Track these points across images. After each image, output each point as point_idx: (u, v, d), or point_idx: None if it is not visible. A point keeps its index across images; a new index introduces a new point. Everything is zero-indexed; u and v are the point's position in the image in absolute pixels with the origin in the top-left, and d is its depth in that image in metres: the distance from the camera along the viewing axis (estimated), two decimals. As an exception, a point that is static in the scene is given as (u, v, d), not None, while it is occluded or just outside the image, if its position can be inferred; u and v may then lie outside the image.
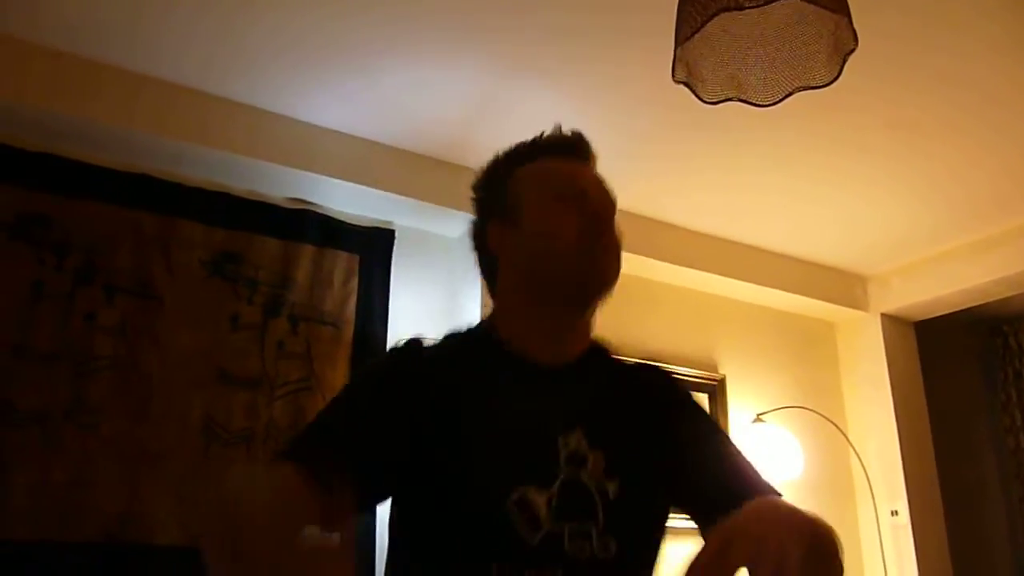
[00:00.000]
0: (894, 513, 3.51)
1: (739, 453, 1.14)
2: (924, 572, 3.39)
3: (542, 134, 1.22)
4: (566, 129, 1.22)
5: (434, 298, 2.87)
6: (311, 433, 1.03)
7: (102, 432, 2.21)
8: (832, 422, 3.51)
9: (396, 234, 2.82)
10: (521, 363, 1.08)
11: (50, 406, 2.16)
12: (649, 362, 1.27)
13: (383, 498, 1.04)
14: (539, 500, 0.95)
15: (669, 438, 1.09)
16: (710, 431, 1.19)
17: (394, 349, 1.11)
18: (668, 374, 1.23)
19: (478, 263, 1.21)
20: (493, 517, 0.94)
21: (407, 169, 2.75)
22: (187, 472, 2.29)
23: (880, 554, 3.42)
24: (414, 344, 1.11)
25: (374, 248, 2.77)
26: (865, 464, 3.52)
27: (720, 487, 1.05)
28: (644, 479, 1.04)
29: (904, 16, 2.11)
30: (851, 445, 3.59)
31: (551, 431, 1.00)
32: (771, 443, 3.24)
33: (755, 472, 1.12)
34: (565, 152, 1.19)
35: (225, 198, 2.55)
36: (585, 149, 1.21)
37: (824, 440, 3.53)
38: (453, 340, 1.14)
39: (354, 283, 2.69)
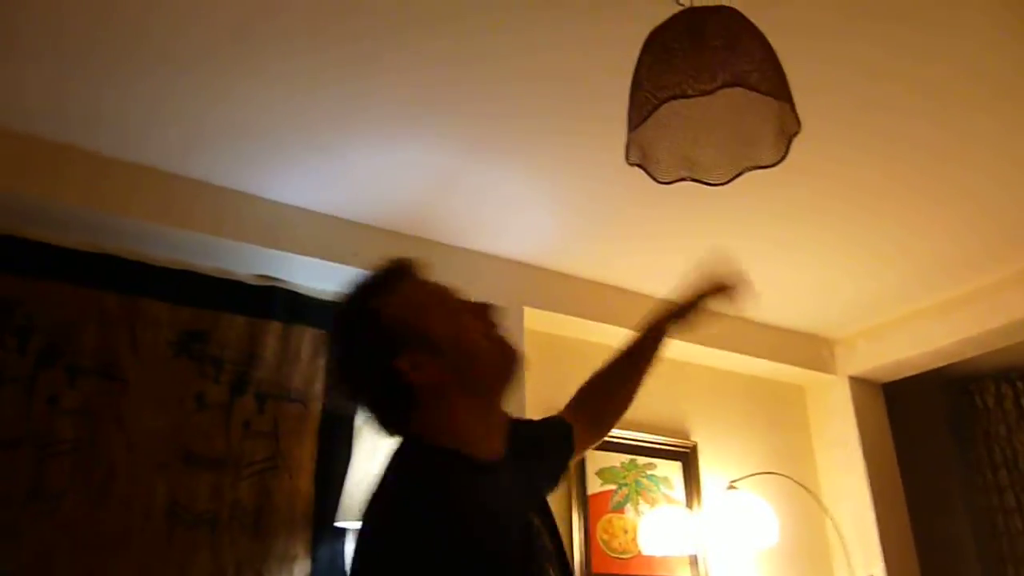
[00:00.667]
0: (871, 578, 3.49)
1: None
2: (904, 638, 3.36)
3: (372, 274, 1.23)
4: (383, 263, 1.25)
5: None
6: None
7: (62, 516, 2.15)
8: (805, 487, 3.51)
9: (364, 308, 2.83)
10: (485, 466, 1.13)
11: (11, 491, 2.12)
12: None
13: None
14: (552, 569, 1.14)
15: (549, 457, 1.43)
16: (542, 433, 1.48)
17: (435, 486, 1.06)
18: (522, 420, 1.46)
19: (376, 411, 1.17)
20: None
21: (373, 244, 2.77)
22: (150, 556, 2.24)
23: (859, 621, 3.39)
24: (437, 475, 1.09)
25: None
26: (840, 528, 3.51)
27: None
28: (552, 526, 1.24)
29: (835, 68, 2.11)
30: (825, 510, 3.58)
31: (528, 516, 1.16)
32: (746, 511, 3.22)
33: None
34: (421, 270, 1.24)
35: (191, 276, 2.55)
36: (416, 267, 1.25)
37: (798, 506, 3.53)
38: (442, 479, 1.08)
39: (322, 359, 2.68)
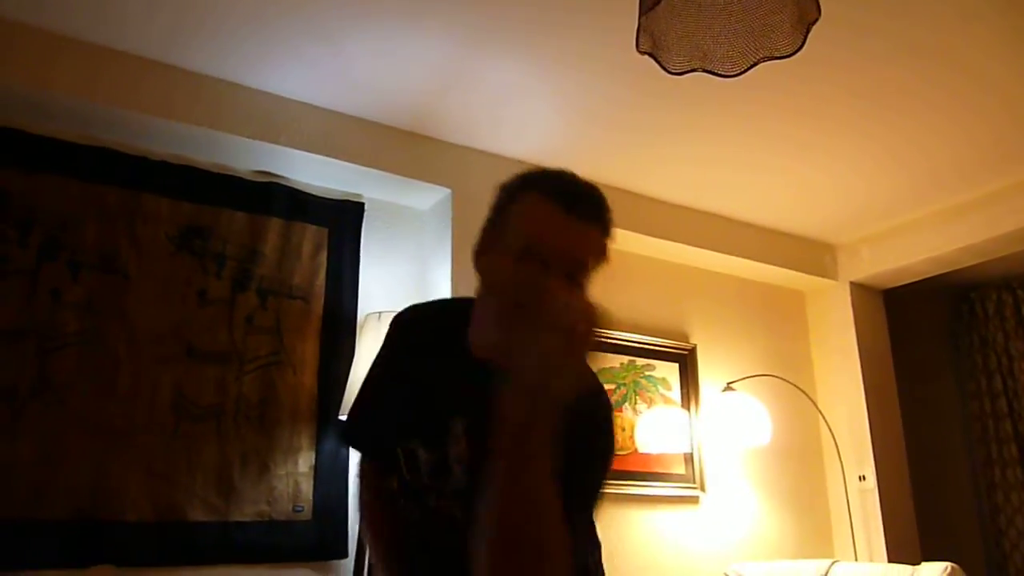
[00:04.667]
0: (862, 478, 3.58)
1: None
2: (891, 535, 3.47)
3: (564, 176, 1.19)
4: (582, 181, 1.19)
5: (404, 271, 2.87)
6: (354, 418, 1.41)
7: (69, 408, 2.19)
8: (801, 390, 3.56)
9: (365, 206, 2.81)
10: (468, 351, 1.22)
11: (16, 383, 2.14)
12: None
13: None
14: (458, 439, 1.20)
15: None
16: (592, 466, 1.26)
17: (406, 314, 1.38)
18: (607, 406, 1.31)
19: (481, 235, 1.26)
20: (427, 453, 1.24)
21: (375, 141, 2.72)
22: (157, 448, 2.28)
23: (848, 518, 3.49)
24: (403, 321, 1.37)
25: (343, 221, 2.75)
26: (834, 431, 3.58)
27: None
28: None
29: None
30: (820, 412, 3.65)
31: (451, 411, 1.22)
32: (740, 411, 3.28)
33: None
34: (571, 205, 1.13)
35: (191, 172, 2.52)
36: (584, 210, 1.14)
37: (793, 408, 3.59)
38: (434, 315, 1.39)
39: (323, 256, 2.67)
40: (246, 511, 2.37)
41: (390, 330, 1.35)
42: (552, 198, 1.13)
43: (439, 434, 1.19)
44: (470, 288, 2.90)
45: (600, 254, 1.15)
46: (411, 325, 1.34)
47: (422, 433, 1.22)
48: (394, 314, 1.38)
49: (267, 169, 2.64)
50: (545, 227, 1.10)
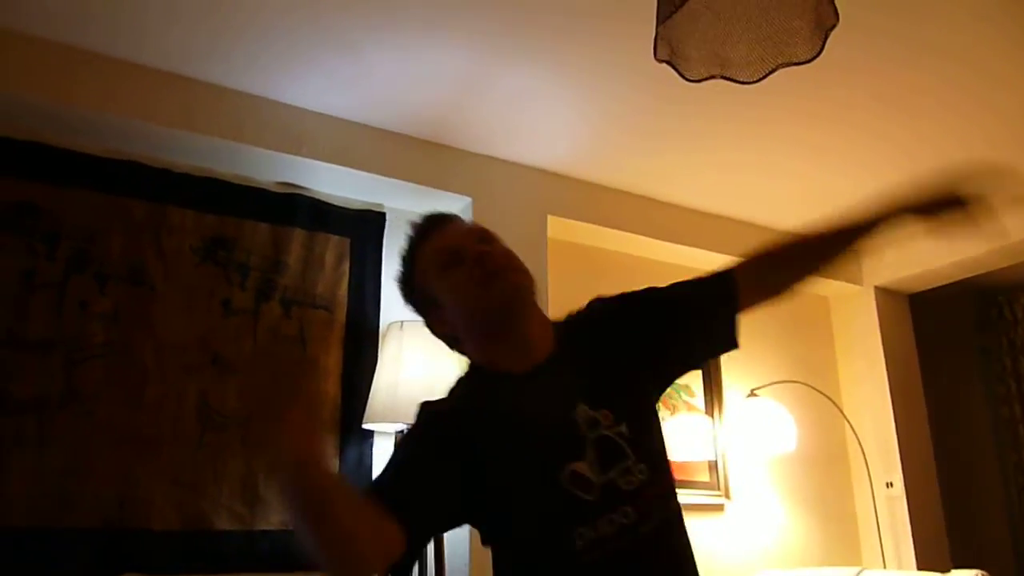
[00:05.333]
0: (889, 485, 3.54)
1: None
2: (919, 542, 3.42)
3: (415, 226, 1.42)
4: (426, 213, 1.44)
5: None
6: (375, 484, 1.21)
7: (97, 419, 2.22)
8: (826, 396, 3.53)
9: (387, 216, 2.83)
10: (516, 377, 1.28)
11: (45, 394, 2.17)
12: (589, 303, 1.43)
13: (435, 532, 1.31)
14: (582, 466, 1.18)
15: (639, 341, 1.33)
16: (660, 296, 1.40)
17: (421, 407, 1.31)
18: (601, 298, 1.41)
19: (447, 345, 1.40)
20: (555, 495, 1.16)
21: (396, 151, 2.74)
22: (183, 457, 2.31)
23: (876, 525, 3.45)
24: (429, 403, 1.31)
25: (365, 231, 2.77)
26: (860, 437, 3.55)
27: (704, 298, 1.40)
28: (636, 406, 1.29)
29: None
30: (846, 418, 3.61)
31: (565, 414, 1.22)
32: (765, 417, 3.26)
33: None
34: (430, 231, 1.39)
35: (214, 184, 2.55)
36: (440, 219, 1.42)
37: (819, 414, 3.56)
38: (456, 387, 1.35)
39: (345, 266, 2.69)
40: (271, 520, 2.39)
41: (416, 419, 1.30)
42: (422, 236, 1.38)
43: (576, 438, 1.20)
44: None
45: (479, 229, 1.39)
46: (447, 415, 1.29)
47: (565, 450, 1.19)
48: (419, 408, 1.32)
49: (289, 180, 2.67)
50: (438, 248, 1.34)
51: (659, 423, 1.33)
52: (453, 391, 1.34)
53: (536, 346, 1.30)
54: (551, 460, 1.18)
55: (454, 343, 1.38)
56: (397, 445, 1.35)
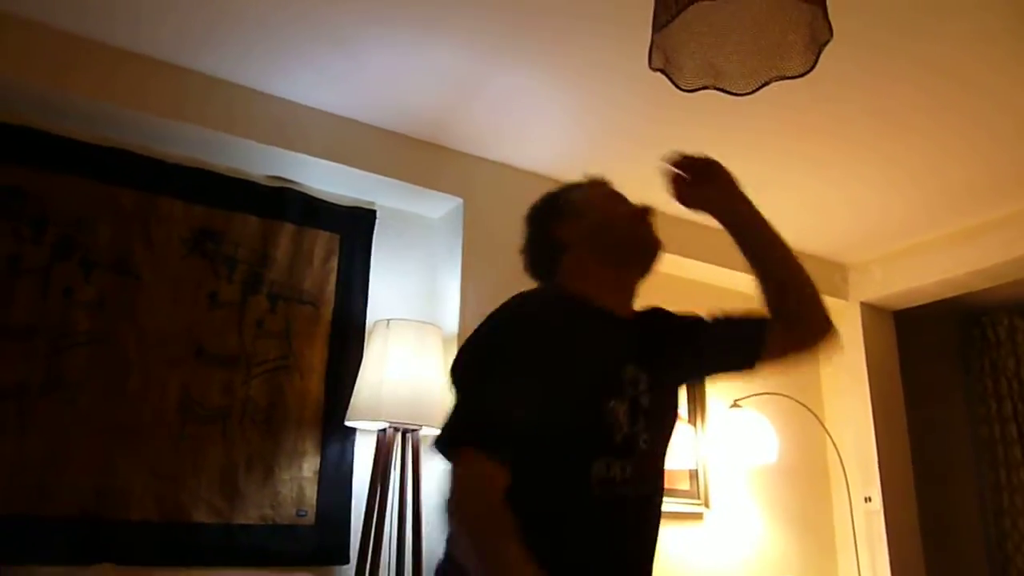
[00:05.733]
0: (867, 499, 3.56)
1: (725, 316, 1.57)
2: (895, 557, 3.44)
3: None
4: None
5: (414, 279, 2.88)
6: (479, 416, 1.26)
7: (78, 407, 2.21)
8: (809, 409, 3.55)
9: (377, 214, 2.82)
10: (602, 312, 1.42)
11: (26, 381, 2.16)
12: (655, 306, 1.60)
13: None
14: (620, 410, 1.31)
15: (684, 344, 1.50)
16: (701, 322, 1.57)
17: (512, 308, 1.35)
18: (665, 310, 1.60)
19: (533, 253, 1.55)
20: (594, 421, 1.29)
21: (388, 149, 2.74)
22: (163, 448, 2.30)
23: (852, 539, 3.47)
24: (523, 302, 1.38)
25: (355, 228, 2.77)
26: (840, 451, 3.57)
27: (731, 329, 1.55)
28: (668, 389, 1.46)
29: (887, 1, 2.09)
30: (827, 432, 3.63)
31: (621, 361, 1.36)
32: (747, 428, 3.27)
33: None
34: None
35: (205, 175, 2.54)
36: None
37: (800, 427, 3.57)
38: (541, 299, 1.44)
39: (334, 262, 2.69)
40: (250, 514, 2.38)
41: (512, 320, 1.33)
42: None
43: (622, 386, 1.33)
44: (480, 298, 2.91)
45: None
46: (538, 310, 1.38)
47: (611, 388, 1.32)
48: (496, 315, 1.34)
49: (280, 175, 2.67)
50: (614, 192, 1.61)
51: (674, 422, 1.48)
52: (538, 307, 1.39)
53: (630, 302, 1.49)
54: (600, 392, 1.31)
55: (558, 251, 1.49)
56: (489, 363, 1.31)
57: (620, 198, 1.56)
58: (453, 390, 1.31)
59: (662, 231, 1.54)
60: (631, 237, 1.49)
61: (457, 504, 1.18)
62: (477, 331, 1.33)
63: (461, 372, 1.32)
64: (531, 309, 1.37)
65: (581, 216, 1.50)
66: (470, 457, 1.20)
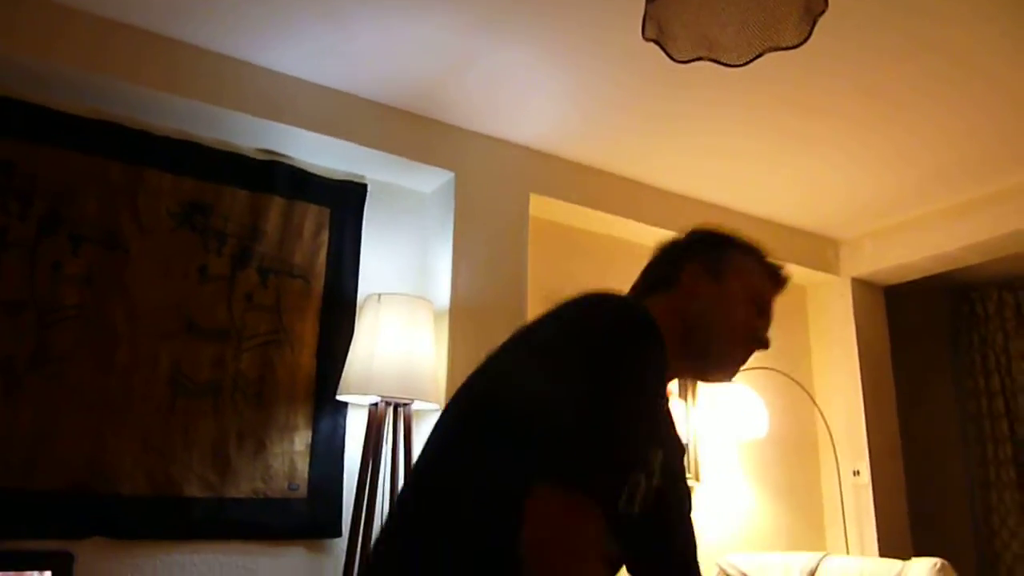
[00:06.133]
0: (856, 473, 3.59)
1: None
2: (883, 530, 3.48)
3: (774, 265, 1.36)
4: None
5: (405, 253, 2.87)
6: (619, 462, 1.00)
7: (67, 381, 2.19)
8: (798, 383, 3.56)
9: (368, 188, 2.81)
10: (669, 377, 1.30)
11: (14, 355, 2.15)
12: None
13: None
14: (640, 486, 1.18)
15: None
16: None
17: (646, 331, 1.03)
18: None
19: (656, 271, 1.32)
20: (633, 472, 1.14)
21: (379, 122, 2.72)
22: (154, 422, 2.29)
23: (841, 512, 3.50)
24: (650, 319, 1.05)
25: (345, 202, 2.75)
26: (830, 425, 3.59)
27: None
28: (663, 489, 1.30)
29: None
30: (817, 406, 3.65)
31: (654, 440, 1.23)
32: (738, 403, 3.29)
33: None
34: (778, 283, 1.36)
35: (194, 148, 2.52)
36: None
37: (790, 401, 3.59)
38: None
39: (324, 236, 2.67)
40: (241, 488, 2.38)
41: (652, 340, 1.03)
42: (769, 273, 1.34)
43: (648, 463, 1.18)
44: (471, 272, 2.89)
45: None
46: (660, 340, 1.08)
47: (646, 462, 1.17)
48: (631, 314, 1.05)
49: (270, 147, 2.64)
50: (772, 294, 1.34)
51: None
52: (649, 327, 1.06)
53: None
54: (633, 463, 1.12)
55: (668, 281, 1.27)
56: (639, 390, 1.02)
57: (761, 314, 1.30)
58: (588, 393, 0.94)
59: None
60: (719, 359, 1.27)
61: (558, 565, 0.87)
62: (616, 320, 1.02)
63: (615, 381, 0.96)
64: (658, 334, 1.04)
65: (717, 277, 1.26)
66: (591, 513, 0.89)
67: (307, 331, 2.58)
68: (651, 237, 3.46)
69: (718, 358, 1.26)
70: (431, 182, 2.92)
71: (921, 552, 3.04)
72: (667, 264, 1.31)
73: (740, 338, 1.26)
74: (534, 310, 2.66)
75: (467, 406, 1.09)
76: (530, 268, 2.88)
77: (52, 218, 2.27)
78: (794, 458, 3.66)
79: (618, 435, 0.94)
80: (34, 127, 2.29)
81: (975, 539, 4.22)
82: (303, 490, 2.47)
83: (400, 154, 2.74)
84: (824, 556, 2.97)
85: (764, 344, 1.29)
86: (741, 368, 1.29)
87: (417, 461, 1.11)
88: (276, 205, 2.61)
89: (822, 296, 3.94)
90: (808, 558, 2.96)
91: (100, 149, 2.37)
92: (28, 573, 2.04)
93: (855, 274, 3.83)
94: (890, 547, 3.43)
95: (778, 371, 3.52)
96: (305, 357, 2.55)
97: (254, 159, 2.61)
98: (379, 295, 2.47)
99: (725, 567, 3.03)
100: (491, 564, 0.94)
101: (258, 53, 2.46)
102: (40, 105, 2.31)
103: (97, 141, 2.37)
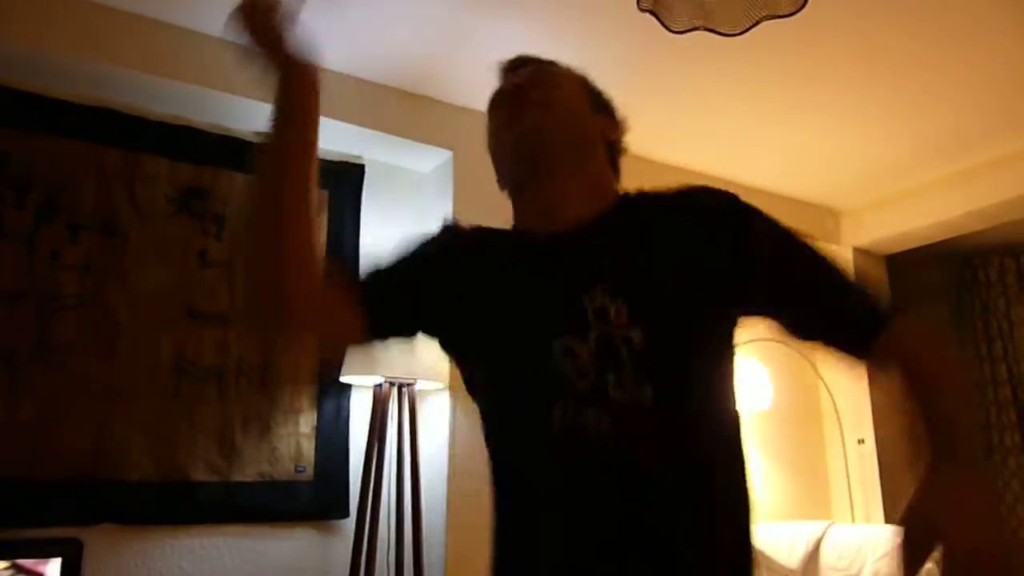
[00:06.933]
0: (860, 442, 3.60)
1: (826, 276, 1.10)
2: (887, 497, 3.49)
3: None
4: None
5: (404, 233, 2.84)
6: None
7: (70, 370, 2.20)
8: (802, 354, 3.56)
9: (366, 168, 2.79)
10: (534, 238, 1.10)
11: (16, 345, 2.15)
12: (703, 185, 1.15)
13: (393, 333, 1.14)
14: (581, 349, 0.98)
15: (731, 258, 1.04)
16: (789, 256, 1.11)
17: (443, 225, 1.20)
18: (716, 193, 1.12)
19: None
20: (545, 362, 0.99)
21: (375, 102, 2.69)
22: (158, 408, 2.30)
23: (846, 481, 3.51)
24: (455, 224, 1.20)
25: (343, 183, 2.74)
26: (834, 395, 3.59)
27: (816, 314, 1.08)
28: (677, 318, 1.01)
29: None
30: (820, 377, 3.66)
31: (576, 290, 1.01)
32: (742, 374, 3.28)
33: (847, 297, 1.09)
34: (506, 73, 1.22)
35: (190, 132, 2.50)
36: (517, 61, 1.22)
37: (794, 372, 3.59)
38: (482, 229, 1.19)
39: (323, 218, 2.66)
40: (248, 471, 2.39)
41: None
42: (501, 80, 1.20)
43: (581, 320, 0.99)
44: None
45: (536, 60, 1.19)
46: (464, 236, 1.19)
47: (559, 323, 1.00)
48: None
49: (266, 130, 2.62)
50: (498, 92, 1.19)
51: (725, 360, 1.05)
52: (482, 229, 1.19)
53: (565, 207, 1.09)
54: (547, 329, 1.00)
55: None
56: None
57: (498, 108, 1.17)
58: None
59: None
60: (502, 159, 1.17)
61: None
62: None
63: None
64: (448, 233, 1.21)
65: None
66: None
67: (309, 314, 2.57)
68: (651, 211, 3.46)
69: (495, 162, 1.19)
70: (429, 161, 2.90)
71: (926, 518, 3.05)
72: None
73: (492, 137, 1.18)
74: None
75: None
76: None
77: (49, 207, 2.26)
78: (799, 428, 3.67)
79: None
80: (28, 116, 2.28)
81: (980, 504, 4.24)
82: (309, 472, 2.48)
83: (397, 134, 2.72)
84: (830, 525, 2.98)
85: (508, 106, 1.14)
86: (508, 131, 1.13)
87: None
88: (274, 188, 2.59)
89: (824, 266, 3.93)
90: (814, 527, 2.98)
91: (95, 136, 2.36)
92: (39, 560, 2.05)
93: (856, 243, 3.81)
94: (895, 514, 3.44)
95: (781, 342, 3.51)
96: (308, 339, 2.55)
97: (251, 142, 2.60)
98: (380, 276, 2.46)
99: (731, 538, 3.04)
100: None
101: (250, 35, 2.43)
102: (33, 93, 2.29)
103: (92, 128, 2.36)
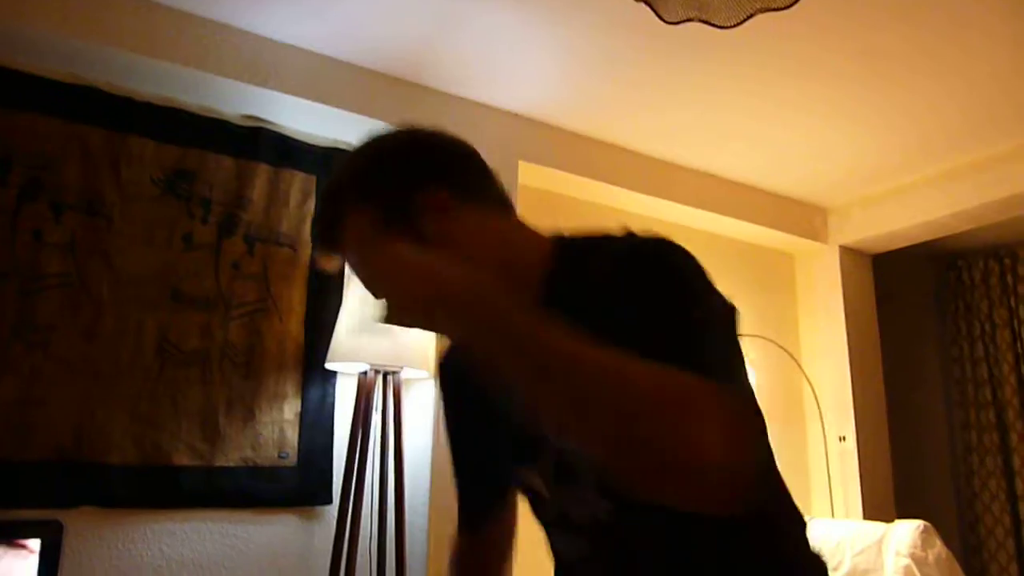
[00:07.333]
0: (842, 439, 3.62)
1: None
2: (867, 494, 3.52)
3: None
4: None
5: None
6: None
7: (52, 350, 2.18)
8: (786, 350, 3.58)
9: (355, 155, 2.77)
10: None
11: (-2, 323, 2.13)
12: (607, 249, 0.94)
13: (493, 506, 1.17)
14: (534, 477, 1.00)
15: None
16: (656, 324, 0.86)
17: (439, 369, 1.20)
18: (616, 260, 0.91)
19: None
20: (527, 494, 1.06)
21: (366, 88, 2.68)
22: (141, 391, 2.28)
23: (827, 477, 3.54)
24: (443, 361, 1.19)
25: (331, 169, 2.72)
26: (816, 391, 3.62)
27: None
28: None
29: None
30: (804, 373, 3.68)
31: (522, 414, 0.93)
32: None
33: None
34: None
35: (177, 114, 2.48)
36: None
37: (778, 368, 3.62)
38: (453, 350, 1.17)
39: (311, 204, 2.65)
40: (231, 456, 2.38)
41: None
42: None
43: (533, 442, 0.97)
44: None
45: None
46: (444, 370, 1.20)
47: (519, 454, 1.01)
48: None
49: (255, 113, 2.60)
50: None
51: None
52: (451, 353, 1.17)
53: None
54: (506, 454, 1.03)
55: None
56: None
57: None
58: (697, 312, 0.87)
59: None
60: None
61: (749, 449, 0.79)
62: (692, 271, 0.89)
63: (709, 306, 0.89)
64: (444, 362, 1.21)
65: None
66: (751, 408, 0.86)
67: (295, 299, 2.56)
68: (641, 205, 3.49)
69: None
70: (418, 149, 2.88)
71: (905, 515, 3.08)
72: None
73: None
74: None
75: None
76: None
77: (33, 185, 2.23)
78: (781, 423, 3.69)
79: None
80: (11, 92, 2.24)
81: (957, 502, 4.29)
82: (293, 458, 2.47)
83: (387, 120, 2.70)
84: (810, 520, 3.00)
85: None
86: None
87: None
88: (262, 172, 2.58)
89: (810, 264, 3.95)
90: (794, 522, 3.00)
91: (81, 115, 2.33)
92: (17, 542, 2.03)
93: (843, 242, 3.83)
94: (875, 510, 3.48)
95: (766, 338, 3.53)
96: (293, 326, 2.54)
97: (239, 126, 2.58)
98: (367, 263, 2.45)
99: (712, 531, 3.06)
100: None
101: (242, 16, 2.41)
102: (16, 70, 2.26)
103: (78, 107, 2.33)
